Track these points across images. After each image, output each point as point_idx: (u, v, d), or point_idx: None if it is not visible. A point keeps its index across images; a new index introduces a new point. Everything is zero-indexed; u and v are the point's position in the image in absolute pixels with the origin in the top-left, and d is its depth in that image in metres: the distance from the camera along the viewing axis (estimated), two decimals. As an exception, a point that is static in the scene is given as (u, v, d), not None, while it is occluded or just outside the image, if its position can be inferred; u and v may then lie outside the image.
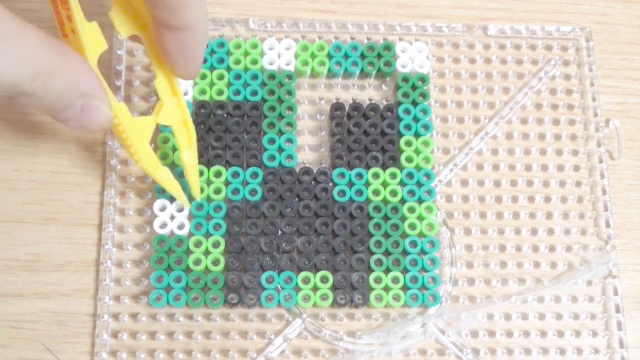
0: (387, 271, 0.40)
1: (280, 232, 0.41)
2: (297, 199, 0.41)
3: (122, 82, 0.43)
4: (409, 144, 0.42)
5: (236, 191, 0.41)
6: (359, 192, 0.41)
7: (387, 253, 0.41)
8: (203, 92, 0.42)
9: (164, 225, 0.40)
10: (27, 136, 0.42)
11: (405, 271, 0.40)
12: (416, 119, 0.43)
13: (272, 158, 0.42)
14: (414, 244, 0.41)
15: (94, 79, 0.32)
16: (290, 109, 0.43)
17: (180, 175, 0.41)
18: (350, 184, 0.42)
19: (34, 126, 0.43)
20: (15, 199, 0.41)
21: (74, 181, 0.42)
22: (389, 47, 0.44)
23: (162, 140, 0.42)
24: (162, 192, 0.41)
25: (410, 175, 0.42)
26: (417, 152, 0.42)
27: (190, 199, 0.40)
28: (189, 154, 0.38)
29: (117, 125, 0.35)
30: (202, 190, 0.40)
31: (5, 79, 0.28)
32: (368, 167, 0.42)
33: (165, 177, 0.39)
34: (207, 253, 0.40)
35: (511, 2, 0.47)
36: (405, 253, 0.41)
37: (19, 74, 0.28)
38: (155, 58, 0.36)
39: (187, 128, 0.38)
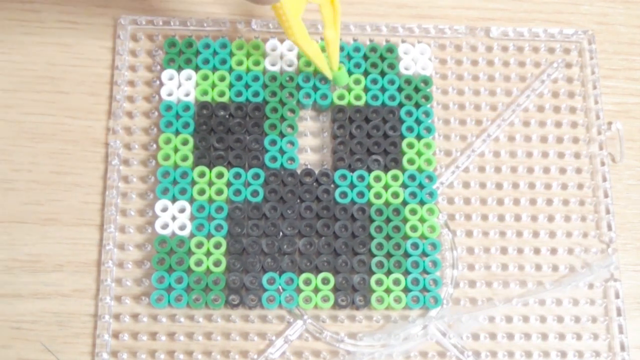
0: (388, 273, 0.40)
1: (281, 233, 0.41)
2: (298, 201, 0.41)
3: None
4: (410, 145, 0.42)
5: (238, 192, 0.41)
6: (361, 194, 0.41)
7: (389, 255, 0.41)
8: (205, 93, 0.42)
9: (165, 226, 0.40)
10: (27, 136, 0.42)
11: (406, 273, 0.40)
12: (418, 121, 0.43)
13: (274, 159, 0.42)
14: (415, 245, 0.41)
15: None
16: (292, 110, 0.43)
17: (181, 175, 0.41)
18: (352, 186, 0.42)
19: (34, 126, 0.42)
20: (15, 199, 0.41)
21: (74, 181, 0.42)
22: (391, 49, 0.44)
23: (164, 141, 0.41)
24: (163, 193, 0.41)
25: (412, 177, 0.42)
26: (419, 154, 0.42)
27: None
28: (332, 32, 0.41)
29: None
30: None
31: None
32: (369, 169, 0.42)
33: (313, 50, 0.41)
34: (208, 254, 0.40)
35: (511, 2, 0.47)
36: (407, 255, 0.41)
37: None
38: None
39: (334, 6, 0.40)
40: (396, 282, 0.40)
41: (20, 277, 0.40)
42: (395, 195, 0.41)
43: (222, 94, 0.42)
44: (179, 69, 0.43)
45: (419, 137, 0.43)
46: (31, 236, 0.41)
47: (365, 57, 0.44)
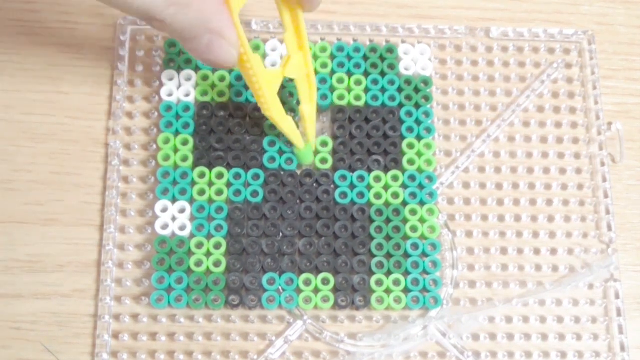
0: (388, 273, 0.40)
1: (281, 233, 0.41)
2: (298, 201, 0.41)
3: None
4: (410, 146, 0.42)
5: (238, 192, 0.41)
6: (361, 195, 0.41)
7: (389, 255, 0.41)
8: (205, 93, 0.42)
9: (165, 226, 0.40)
10: (27, 136, 0.42)
11: (406, 273, 0.40)
12: (418, 122, 0.43)
13: (272, 160, 0.42)
14: (415, 246, 0.41)
15: (225, 21, 0.35)
16: (292, 110, 0.43)
17: (181, 175, 0.41)
18: (352, 186, 0.42)
19: (34, 126, 0.42)
20: (15, 199, 0.41)
21: (74, 181, 0.42)
22: (391, 49, 0.44)
23: (164, 141, 0.41)
24: (163, 193, 0.41)
25: (412, 178, 0.42)
26: (419, 154, 0.42)
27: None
28: (308, 107, 0.41)
29: (251, 77, 0.38)
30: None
31: (141, 3, 0.34)
32: (370, 170, 0.42)
33: (288, 125, 0.40)
34: (208, 254, 0.40)
35: (511, 3, 0.47)
36: (407, 255, 0.41)
37: (153, 1, 0.34)
38: (284, 3, 0.38)
39: (310, 82, 0.40)
40: (396, 282, 0.40)
41: (20, 277, 0.40)
42: (395, 195, 0.41)
43: (222, 95, 0.42)
44: (179, 69, 0.43)
45: (419, 138, 0.43)
46: (31, 236, 0.41)
47: (365, 58, 0.44)
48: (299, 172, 0.42)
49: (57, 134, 0.42)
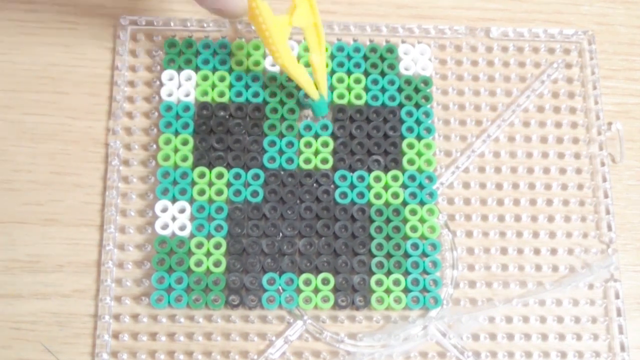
0: (388, 273, 0.40)
1: (281, 233, 0.41)
2: (298, 201, 0.41)
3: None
4: (410, 146, 0.42)
5: (238, 192, 0.41)
6: (361, 195, 0.41)
7: (389, 255, 0.41)
8: (205, 93, 0.42)
9: (165, 226, 0.40)
10: (27, 136, 0.42)
11: (406, 273, 0.40)
12: (418, 122, 0.43)
13: (272, 160, 0.42)
14: (415, 246, 0.41)
15: None
16: (292, 110, 0.43)
17: (181, 175, 0.41)
18: (352, 186, 0.42)
19: (34, 126, 0.42)
20: (15, 199, 0.41)
21: (74, 181, 0.42)
22: (391, 49, 0.44)
23: (164, 141, 0.41)
24: (163, 193, 0.41)
25: (412, 178, 0.42)
26: (419, 154, 0.42)
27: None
28: (318, 56, 0.41)
29: (260, 24, 0.38)
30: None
31: None
32: (370, 170, 0.42)
33: (301, 74, 0.40)
34: (208, 254, 0.40)
35: (511, 3, 0.47)
36: (407, 255, 0.41)
37: None
38: None
39: (318, 31, 0.40)
40: (396, 282, 0.40)
41: (21, 277, 0.40)
42: (395, 195, 0.41)
43: (222, 95, 0.42)
44: (179, 69, 0.43)
45: (419, 138, 0.43)
46: (31, 237, 0.41)
47: (366, 58, 0.44)
48: (298, 172, 0.42)
49: (57, 134, 0.42)
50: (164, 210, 0.41)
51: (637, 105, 0.46)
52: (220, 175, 0.41)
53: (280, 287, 0.40)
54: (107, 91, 0.43)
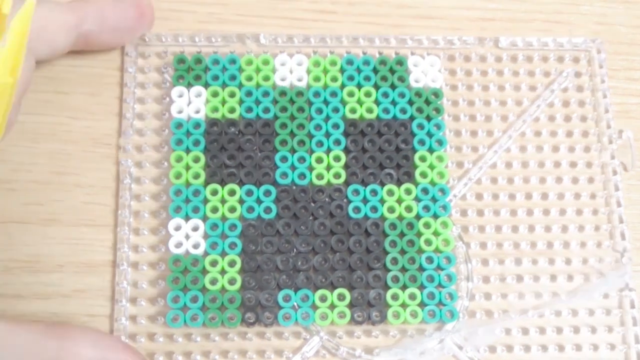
0: (404, 287, 0.40)
1: (295, 249, 0.40)
2: (311, 217, 0.41)
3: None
4: (423, 159, 0.42)
5: (251, 209, 0.41)
6: (374, 209, 0.41)
7: (404, 269, 0.40)
8: (215, 110, 0.42)
9: (179, 245, 0.40)
10: (27, 136, 0.42)
11: (422, 287, 0.40)
12: (430, 134, 0.43)
13: (285, 175, 0.41)
14: (430, 259, 0.41)
15: None
16: (302, 126, 0.42)
17: (194, 193, 0.41)
18: (365, 201, 0.41)
19: (34, 126, 0.42)
20: (15, 199, 0.41)
21: (74, 181, 0.42)
22: (401, 62, 0.44)
23: (175, 159, 0.41)
24: (176, 211, 0.41)
25: (425, 191, 0.42)
26: (431, 167, 0.42)
27: None
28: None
29: None
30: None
31: None
32: (382, 183, 0.42)
33: None
34: (223, 272, 0.40)
35: (511, 3, 0.47)
36: (422, 269, 0.41)
37: None
38: None
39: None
40: (412, 296, 0.40)
41: (21, 277, 0.40)
42: (409, 209, 0.41)
43: (232, 111, 0.42)
44: (189, 85, 0.43)
45: (431, 150, 0.43)
46: (31, 236, 0.40)
47: (375, 70, 0.44)
48: (311, 187, 0.41)
49: (56, 134, 0.42)
50: (177, 228, 0.41)
51: (637, 105, 0.46)
52: (232, 192, 0.41)
53: (296, 304, 0.40)
54: (117, 108, 0.43)
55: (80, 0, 0.40)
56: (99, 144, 0.42)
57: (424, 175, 0.42)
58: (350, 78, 0.43)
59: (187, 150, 0.42)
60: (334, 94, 0.43)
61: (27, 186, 0.41)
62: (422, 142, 0.42)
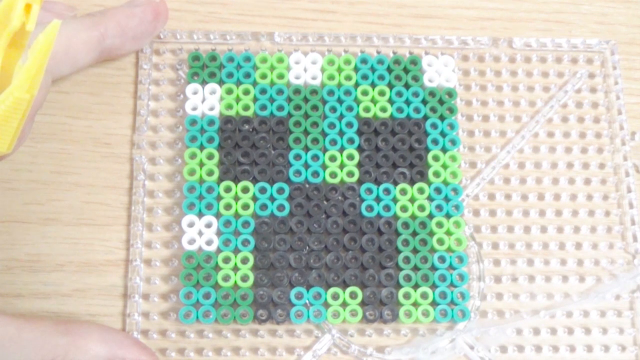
0: (416, 286, 0.40)
1: (308, 247, 0.40)
2: (324, 215, 0.41)
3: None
4: (436, 158, 0.42)
5: (264, 206, 0.41)
6: (387, 208, 0.41)
7: (416, 268, 0.41)
8: (229, 107, 0.42)
9: (192, 241, 0.40)
10: (29, 136, 0.42)
11: (434, 286, 0.40)
12: (443, 134, 0.43)
13: (298, 173, 0.42)
14: (442, 259, 0.41)
15: None
16: (316, 124, 0.43)
17: (207, 189, 0.41)
18: (378, 199, 0.42)
19: (34, 126, 0.42)
20: (15, 199, 0.41)
21: (74, 181, 0.42)
22: (415, 61, 0.44)
23: (189, 156, 0.41)
24: (189, 208, 0.41)
25: (438, 190, 0.42)
26: (445, 166, 0.42)
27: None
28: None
29: None
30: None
31: None
32: (395, 182, 0.42)
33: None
34: (235, 269, 0.40)
35: (511, 2, 0.47)
36: (434, 268, 0.41)
37: None
38: None
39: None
40: (424, 295, 0.40)
41: (21, 277, 0.40)
42: (422, 208, 0.41)
43: (246, 108, 0.42)
44: (203, 82, 0.43)
45: (444, 150, 0.43)
46: (31, 236, 0.40)
47: (390, 70, 0.44)
48: (324, 185, 0.42)
49: (56, 134, 0.42)
50: (191, 225, 0.41)
51: (637, 105, 0.46)
52: (245, 190, 0.41)
53: (308, 302, 0.40)
54: (131, 107, 0.43)
55: (99, 15, 0.40)
56: (101, 144, 0.42)
57: (437, 174, 0.42)
58: (365, 77, 0.43)
59: (201, 147, 0.42)
60: (348, 92, 0.43)
61: (27, 186, 0.41)
62: (435, 142, 0.43)
